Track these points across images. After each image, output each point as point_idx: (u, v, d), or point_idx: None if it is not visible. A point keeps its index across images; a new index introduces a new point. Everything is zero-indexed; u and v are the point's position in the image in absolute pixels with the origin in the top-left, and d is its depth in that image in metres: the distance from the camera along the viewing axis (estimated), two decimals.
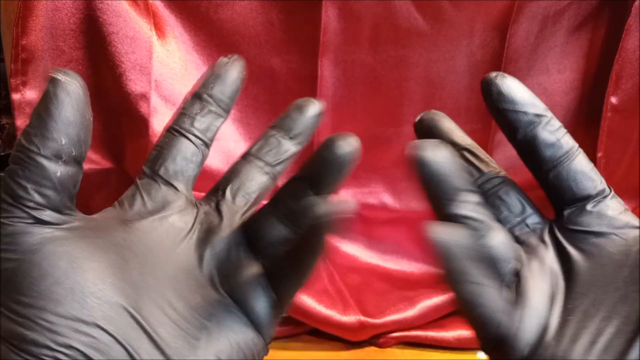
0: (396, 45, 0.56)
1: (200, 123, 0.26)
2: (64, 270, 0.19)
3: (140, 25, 0.51)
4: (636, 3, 0.53)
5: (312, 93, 0.58)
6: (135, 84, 0.51)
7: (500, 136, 0.60)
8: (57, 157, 0.20)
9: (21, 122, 0.51)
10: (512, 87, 0.24)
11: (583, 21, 0.57)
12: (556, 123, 0.25)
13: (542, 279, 0.23)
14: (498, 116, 0.25)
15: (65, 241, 0.20)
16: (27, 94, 0.51)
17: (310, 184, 0.25)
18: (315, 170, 0.25)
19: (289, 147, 0.28)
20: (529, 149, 0.24)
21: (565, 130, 0.25)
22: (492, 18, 0.55)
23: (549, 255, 0.24)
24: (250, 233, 0.26)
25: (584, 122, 0.60)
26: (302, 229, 0.24)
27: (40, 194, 0.20)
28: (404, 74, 0.58)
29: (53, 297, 0.19)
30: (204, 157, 0.27)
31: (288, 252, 0.24)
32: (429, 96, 0.59)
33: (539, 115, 0.24)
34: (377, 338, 0.56)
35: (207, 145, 0.27)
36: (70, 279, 0.19)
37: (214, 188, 0.28)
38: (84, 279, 0.19)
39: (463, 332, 0.56)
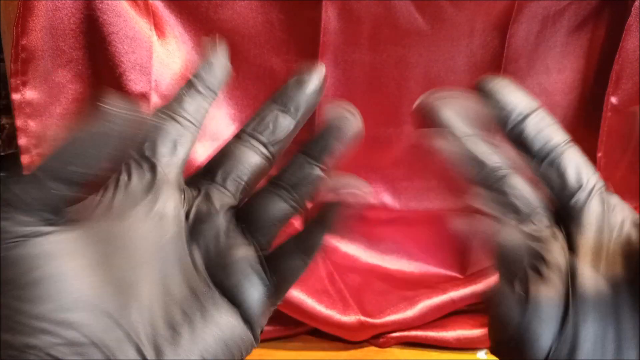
0: (396, 45, 0.56)
1: (189, 104, 0.25)
2: (41, 271, 0.19)
3: (140, 25, 0.51)
4: (636, 3, 0.53)
5: None
6: (135, 84, 0.51)
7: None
8: (57, 180, 0.20)
9: (21, 122, 0.51)
10: (502, 87, 0.25)
11: (583, 21, 0.57)
12: (547, 119, 0.25)
13: (555, 276, 0.22)
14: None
15: (44, 239, 0.19)
16: (27, 94, 0.51)
17: (310, 156, 0.25)
18: (314, 142, 0.24)
19: (287, 124, 0.25)
20: (518, 142, 0.25)
21: (557, 126, 0.25)
22: (492, 18, 0.55)
23: (558, 251, 0.23)
24: (246, 213, 0.24)
25: (584, 122, 0.60)
26: (304, 203, 0.24)
27: (30, 197, 0.20)
28: (404, 74, 0.58)
29: (29, 298, 0.18)
30: (193, 139, 0.25)
31: (297, 233, 0.24)
32: None
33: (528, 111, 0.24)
34: (377, 338, 0.56)
35: (197, 127, 0.25)
36: (47, 279, 0.19)
37: (203, 170, 0.26)
38: (61, 280, 0.19)
39: (463, 332, 0.56)
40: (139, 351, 0.20)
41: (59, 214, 0.20)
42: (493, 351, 0.24)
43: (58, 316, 0.18)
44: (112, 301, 0.20)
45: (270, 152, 0.26)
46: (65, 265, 0.19)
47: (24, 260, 0.19)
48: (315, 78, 0.25)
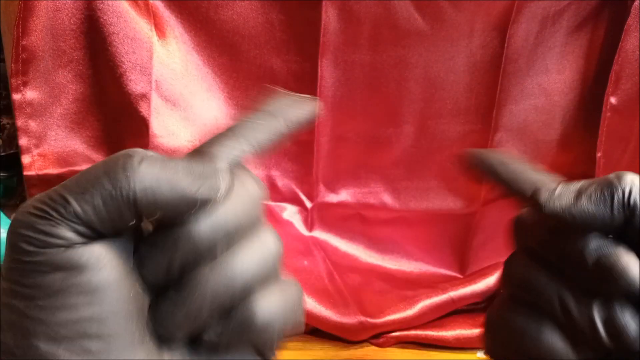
0: (396, 45, 0.56)
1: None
2: (82, 279, 0.19)
3: (141, 25, 0.51)
4: (635, 3, 0.53)
5: (312, 93, 0.58)
6: (135, 84, 0.51)
7: (500, 136, 0.60)
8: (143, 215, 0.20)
9: (22, 122, 0.51)
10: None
11: (582, 21, 0.57)
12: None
13: None
14: None
15: (85, 249, 0.19)
16: (28, 94, 0.51)
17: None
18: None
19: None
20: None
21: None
22: (491, 18, 0.56)
23: None
24: None
25: (584, 123, 0.60)
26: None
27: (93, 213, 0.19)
28: (403, 74, 0.58)
29: (68, 304, 0.18)
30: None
31: None
32: (428, 96, 0.59)
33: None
34: (376, 338, 0.56)
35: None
36: (87, 288, 0.19)
37: None
38: (100, 290, 0.19)
39: (462, 332, 0.56)
40: None
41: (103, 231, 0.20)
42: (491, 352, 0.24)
43: (92, 326, 0.18)
44: (137, 317, 0.20)
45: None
46: (104, 276, 0.19)
47: (65, 266, 0.18)
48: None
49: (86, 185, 0.19)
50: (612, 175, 0.23)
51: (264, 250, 0.21)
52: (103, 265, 0.19)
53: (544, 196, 0.23)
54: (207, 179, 0.20)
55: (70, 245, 0.18)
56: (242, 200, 0.21)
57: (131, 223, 0.19)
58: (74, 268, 0.18)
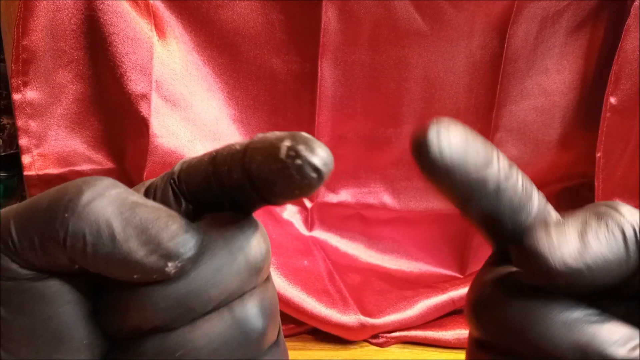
0: (396, 45, 0.56)
1: None
2: (51, 313, 0.17)
3: (141, 25, 0.51)
4: (635, 3, 0.53)
5: (312, 93, 0.58)
6: (135, 84, 0.51)
7: (500, 136, 0.60)
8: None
9: (22, 122, 0.52)
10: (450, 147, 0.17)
11: (582, 22, 0.57)
12: (511, 173, 0.19)
13: None
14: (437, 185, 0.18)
15: (46, 283, 0.18)
16: (28, 94, 0.51)
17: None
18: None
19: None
20: (486, 218, 0.18)
21: (518, 174, 0.19)
22: (491, 19, 0.56)
23: None
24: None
25: (583, 123, 0.60)
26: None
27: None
28: (403, 75, 0.58)
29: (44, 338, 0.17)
30: None
31: None
32: (428, 96, 0.59)
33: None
34: (377, 338, 0.56)
35: None
36: (57, 322, 0.17)
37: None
38: (71, 324, 0.17)
39: (462, 332, 0.56)
40: None
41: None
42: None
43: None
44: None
45: None
46: (73, 309, 0.17)
47: (7, 302, 0.17)
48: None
49: (28, 217, 0.16)
50: (607, 208, 0.17)
51: (234, 330, 0.17)
52: (52, 305, 0.17)
53: (541, 242, 0.16)
54: (164, 242, 0.16)
55: (16, 278, 0.16)
56: (218, 268, 0.17)
57: (76, 266, 0.16)
58: (16, 305, 0.16)
